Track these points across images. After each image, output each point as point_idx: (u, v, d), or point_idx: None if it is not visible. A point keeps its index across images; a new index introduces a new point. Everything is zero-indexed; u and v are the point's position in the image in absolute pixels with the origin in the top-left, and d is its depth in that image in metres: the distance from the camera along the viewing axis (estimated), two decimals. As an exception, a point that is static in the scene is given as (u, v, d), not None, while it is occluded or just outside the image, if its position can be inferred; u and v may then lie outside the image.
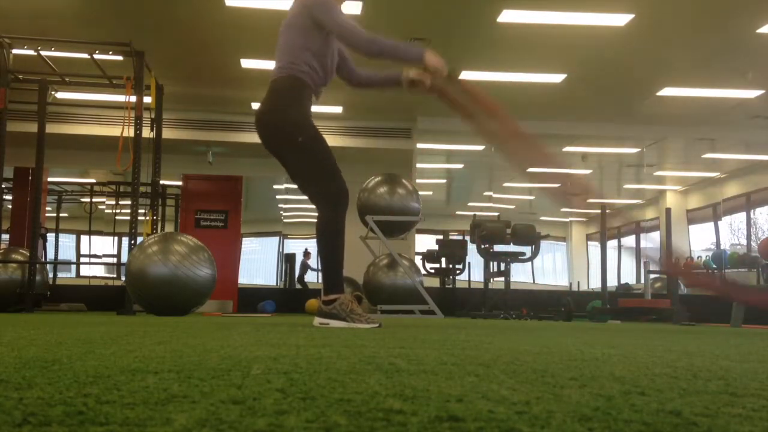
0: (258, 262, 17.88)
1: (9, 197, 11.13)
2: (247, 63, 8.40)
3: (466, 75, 8.69)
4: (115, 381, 0.85)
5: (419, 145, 10.99)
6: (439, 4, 6.83)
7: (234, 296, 11.08)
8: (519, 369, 1.12)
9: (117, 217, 13.12)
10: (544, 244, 10.07)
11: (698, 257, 13.54)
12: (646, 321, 7.99)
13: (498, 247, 8.99)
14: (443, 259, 10.36)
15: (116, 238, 13.22)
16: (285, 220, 17.77)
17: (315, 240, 3.26)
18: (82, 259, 13.59)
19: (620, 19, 6.97)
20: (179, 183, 12.10)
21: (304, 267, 15.36)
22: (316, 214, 3.23)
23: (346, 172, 3.28)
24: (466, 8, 6.82)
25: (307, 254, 15.40)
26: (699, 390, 0.89)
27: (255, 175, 12.38)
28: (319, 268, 3.62)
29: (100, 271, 14.86)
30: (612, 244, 17.25)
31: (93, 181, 13.15)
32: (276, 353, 1.35)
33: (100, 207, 13.97)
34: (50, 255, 12.85)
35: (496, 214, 13.67)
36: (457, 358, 1.33)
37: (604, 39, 7.47)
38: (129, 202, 7.22)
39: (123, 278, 6.57)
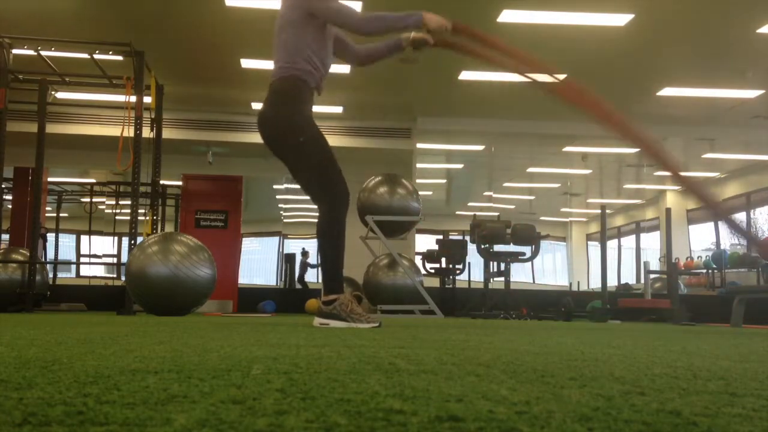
0: (258, 262, 17.91)
1: (9, 197, 11.13)
2: (247, 63, 8.40)
3: (466, 75, 8.70)
4: (115, 381, 0.85)
5: (419, 145, 11.00)
6: (439, 5, 6.76)
7: (234, 296, 11.09)
8: (519, 369, 1.12)
9: (117, 217, 13.12)
10: (544, 244, 10.08)
11: (698, 257, 13.54)
12: (646, 321, 7.99)
13: (498, 247, 9.00)
14: (443, 259, 10.36)
15: (116, 238, 13.22)
16: (285, 220, 17.79)
17: (315, 240, 3.26)
18: (82, 259, 13.59)
19: (620, 19, 6.97)
20: (179, 183, 12.10)
21: (304, 266, 15.39)
22: (317, 214, 3.23)
23: (346, 172, 3.28)
24: (466, 8, 6.82)
25: (305, 254, 15.44)
26: (699, 390, 0.89)
27: (255, 175, 12.38)
28: (320, 265, 3.62)
29: (100, 271, 14.86)
30: (612, 244, 17.25)
31: (93, 181, 13.15)
32: (276, 353, 1.34)
33: (100, 207, 13.96)
34: (50, 255, 12.86)
35: (496, 214, 13.67)
36: (457, 358, 1.33)
37: (604, 39, 7.47)
38: (129, 202, 7.22)
39: (123, 278, 6.56)
